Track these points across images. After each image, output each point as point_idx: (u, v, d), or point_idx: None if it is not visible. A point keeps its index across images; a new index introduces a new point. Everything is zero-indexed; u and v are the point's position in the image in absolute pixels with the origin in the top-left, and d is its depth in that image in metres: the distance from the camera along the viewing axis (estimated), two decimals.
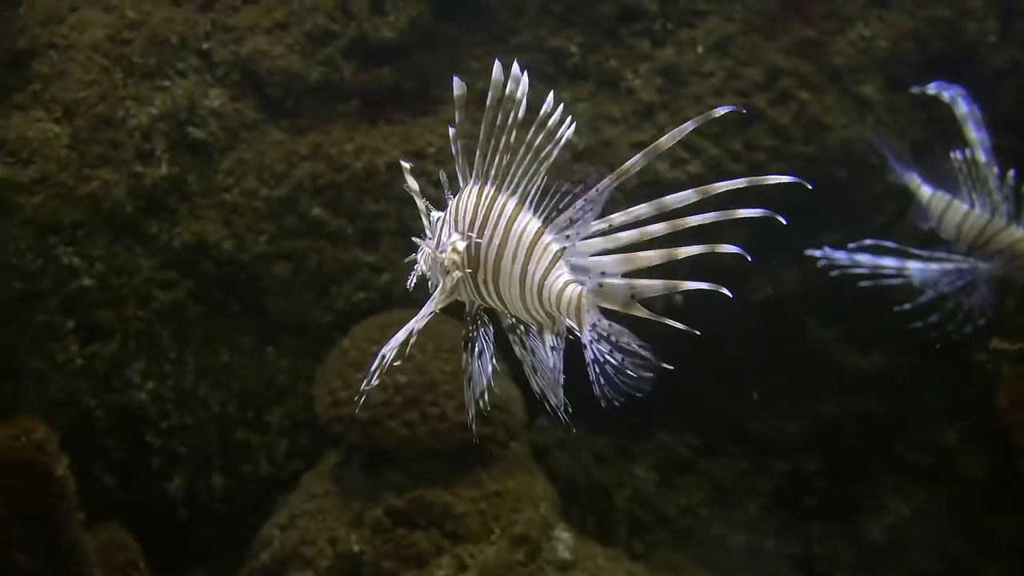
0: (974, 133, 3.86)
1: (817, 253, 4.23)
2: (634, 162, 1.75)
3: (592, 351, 1.79)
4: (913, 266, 4.07)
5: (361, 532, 4.60)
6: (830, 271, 4.23)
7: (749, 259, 1.72)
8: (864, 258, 4.19)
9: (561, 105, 1.85)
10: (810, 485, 5.66)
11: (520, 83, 1.85)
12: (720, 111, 1.75)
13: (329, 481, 4.85)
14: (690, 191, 1.71)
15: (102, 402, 5.02)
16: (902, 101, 5.31)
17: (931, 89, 4.02)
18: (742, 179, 1.72)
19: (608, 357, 1.80)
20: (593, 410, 5.54)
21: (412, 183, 1.98)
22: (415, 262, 2.02)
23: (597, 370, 1.81)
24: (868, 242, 4.23)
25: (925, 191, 4.11)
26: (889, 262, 4.14)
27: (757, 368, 5.49)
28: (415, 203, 1.99)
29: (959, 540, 5.37)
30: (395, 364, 1.97)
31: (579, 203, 1.81)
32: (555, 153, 1.85)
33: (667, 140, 1.73)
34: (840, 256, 4.20)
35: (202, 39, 5.32)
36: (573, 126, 1.86)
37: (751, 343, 5.44)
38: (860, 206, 5.31)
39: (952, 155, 3.92)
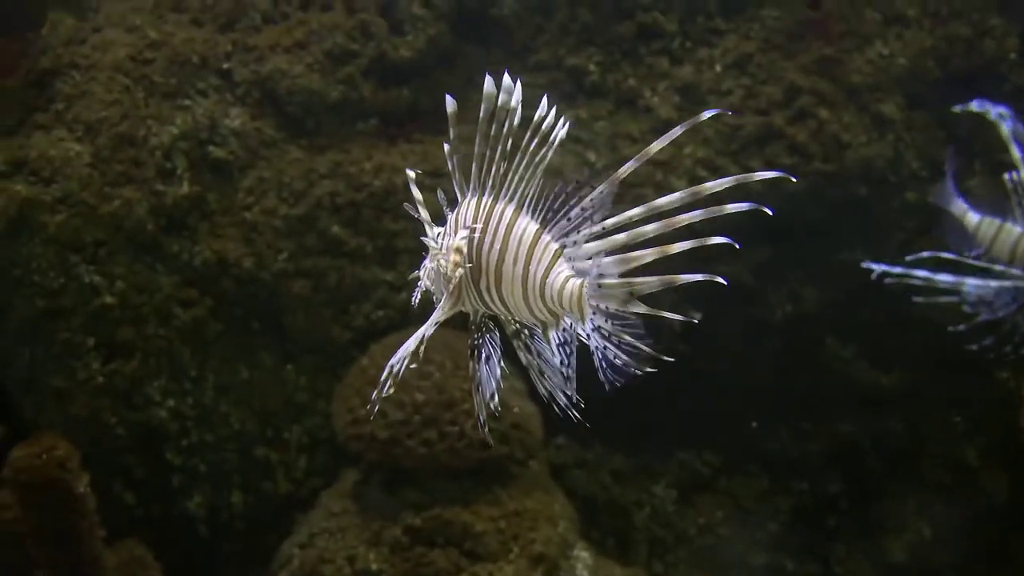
0: (1018, 152, 3.75)
1: (874, 267, 4.09)
2: (628, 167, 1.79)
3: (595, 340, 1.85)
4: (970, 282, 3.88)
5: (380, 551, 4.60)
6: (885, 279, 4.08)
7: (737, 247, 1.79)
8: (922, 272, 3.98)
9: (554, 108, 1.88)
10: (831, 504, 5.63)
11: (513, 93, 1.88)
12: (707, 115, 1.80)
13: (348, 499, 4.85)
14: (681, 192, 1.77)
15: (123, 419, 5.04)
16: (921, 119, 5.31)
17: (974, 107, 3.91)
18: (729, 178, 1.77)
19: (608, 343, 1.86)
20: (612, 429, 5.52)
21: (416, 192, 2.03)
22: (419, 278, 2.06)
23: (600, 356, 1.86)
24: (926, 255, 4.03)
25: (972, 217, 3.97)
26: (945, 277, 3.94)
27: (776, 385, 5.47)
28: (420, 219, 2.03)
29: (981, 559, 5.33)
30: (409, 369, 2.00)
31: (576, 206, 1.86)
32: (550, 156, 1.88)
33: (657, 145, 1.78)
34: (897, 270, 4.06)
35: (223, 59, 5.36)
36: (567, 126, 1.89)
37: (770, 360, 5.42)
38: (880, 223, 5.30)
39: (1005, 177, 3.80)
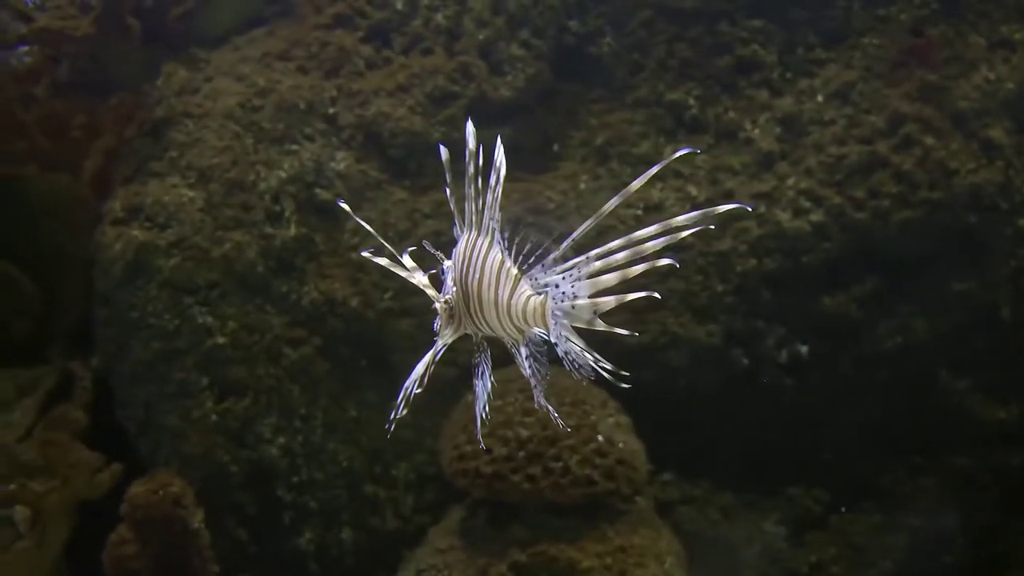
0: None
1: None
2: (611, 205, 1.98)
3: (562, 348, 2.08)
4: None
5: None
6: None
7: (676, 266, 2.00)
8: None
9: (501, 148, 2.16)
10: (947, 542, 5.47)
11: (471, 138, 2.17)
12: (681, 152, 2.05)
13: (455, 536, 4.87)
14: (655, 226, 1.96)
15: (235, 457, 5.15)
16: None
17: None
18: (697, 212, 1.94)
19: (573, 347, 2.09)
20: (719, 464, 5.48)
21: (432, 250, 2.31)
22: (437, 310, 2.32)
23: (569, 359, 2.09)
24: None
25: None
26: None
27: (887, 419, 5.35)
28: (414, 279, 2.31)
29: None
30: (417, 391, 2.29)
31: (537, 239, 2.13)
32: (499, 189, 2.15)
33: (637, 183, 1.97)
34: None
35: (328, 104, 5.49)
36: (503, 160, 2.16)
37: (880, 394, 5.31)
38: (991, 252, 5.17)
39: None
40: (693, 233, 1.99)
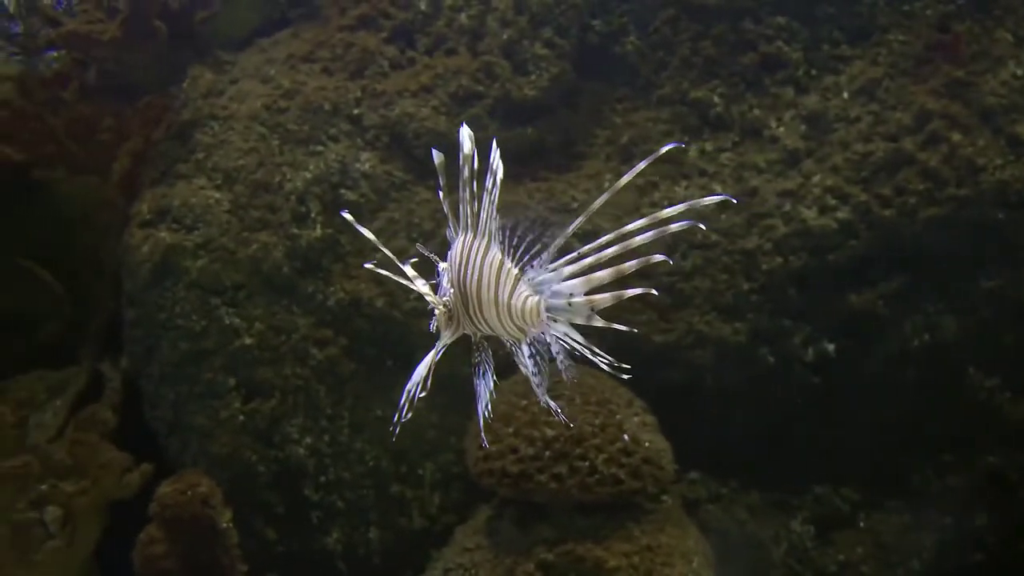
0: None
1: None
2: (598, 204, 2.03)
3: (556, 346, 2.16)
4: None
5: None
6: None
7: (670, 262, 2.11)
8: None
9: (497, 151, 2.21)
10: (978, 541, 5.43)
11: (467, 141, 2.21)
12: (666, 148, 2.05)
13: (481, 535, 4.88)
14: (643, 220, 2.00)
15: (263, 457, 5.18)
16: None
17: None
18: (683, 204, 1.99)
19: (568, 343, 2.16)
20: (746, 463, 5.46)
21: (421, 250, 2.35)
22: (434, 311, 2.37)
23: (560, 357, 2.16)
24: None
25: None
26: None
27: (915, 417, 5.32)
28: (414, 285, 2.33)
29: None
30: (422, 396, 2.33)
31: (534, 238, 2.15)
32: (496, 191, 2.18)
33: (623, 181, 2.02)
34: None
35: (353, 105, 5.52)
36: (499, 162, 2.21)
37: (908, 392, 5.28)
38: (1019, 248, 5.12)
39: None
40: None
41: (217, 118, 5.54)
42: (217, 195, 5.34)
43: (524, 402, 4.67)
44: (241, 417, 5.15)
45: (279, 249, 5.24)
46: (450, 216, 2.27)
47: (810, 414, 5.29)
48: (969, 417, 5.33)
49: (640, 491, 4.69)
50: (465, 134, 2.23)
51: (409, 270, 2.31)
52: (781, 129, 5.36)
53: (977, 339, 5.20)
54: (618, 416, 4.66)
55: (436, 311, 2.35)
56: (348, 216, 2.48)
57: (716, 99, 5.48)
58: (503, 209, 2.25)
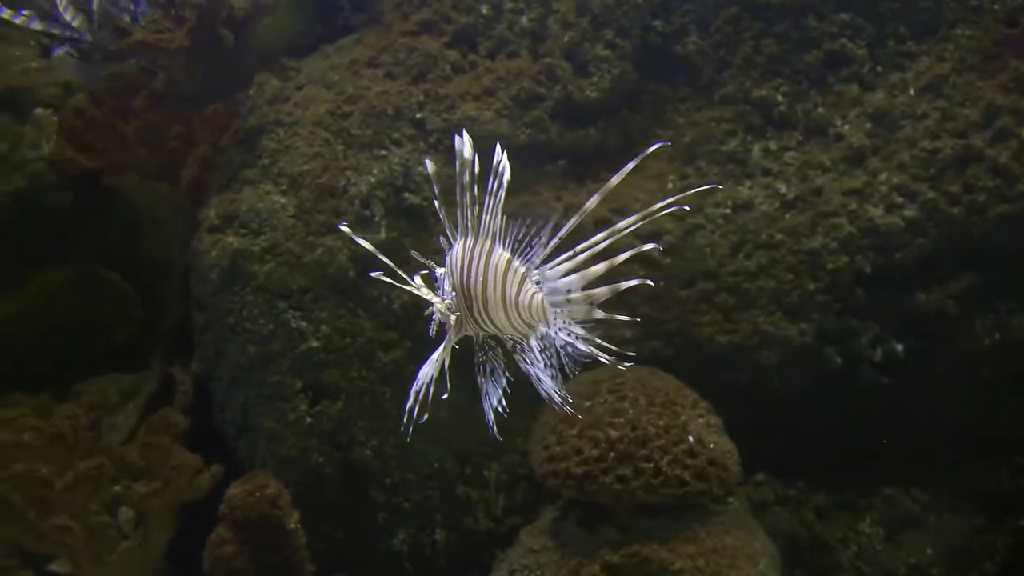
0: None
1: None
2: (592, 202, 2.13)
3: (560, 340, 2.22)
4: None
5: None
6: None
7: (660, 249, 2.09)
8: None
9: (504, 152, 2.28)
10: None
11: (466, 147, 2.28)
12: (656, 146, 2.16)
13: (546, 536, 4.89)
14: (636, 215, 2.10)
15: (329, 459, 5.23)
16: None
17: None
18: (673, 198, 2.07)
19: (571, 340, 2.22)
20: (814, 464, 5.39)
21: (417, 257, 2.48)
22: (433, 313, 2.45)
23: (565, 352, 2.22)
24: None
25: None
26: None
27: (987, 418, 5.23)
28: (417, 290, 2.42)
29: None
30: (432, 396, 2.47)
31: (538, 237, 2.24)
32: (502, 194, 2.25)
33: (616, 179, 2.11)
34: None
35: (415, 109, 5.55)
36: (506, 165, 2.28)
37: (979, 392, 5.19)
38: None
39: None
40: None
41: (282, 124, 5.61)
42: (283, 200, 5.40)
43: (588, 403, 4.67)
44: (308, 419, 5.20)
45: (344, 253, 5.29)
46: (447, 222, 2.34)
47: (879, 415, 5.22)
48: None
49: (705, 493, 4.66)
50: (465, 140, 2.29)
51: (417, 279, 2.40)
52: (846, 127, 5.30)
53: None
54: (683, 417, 4.64)
55: (437, 315, 2.41)
56: (345, 229, 2.58)
57: (779, 97, 5.43)
58: (518, 208, 2.28)
